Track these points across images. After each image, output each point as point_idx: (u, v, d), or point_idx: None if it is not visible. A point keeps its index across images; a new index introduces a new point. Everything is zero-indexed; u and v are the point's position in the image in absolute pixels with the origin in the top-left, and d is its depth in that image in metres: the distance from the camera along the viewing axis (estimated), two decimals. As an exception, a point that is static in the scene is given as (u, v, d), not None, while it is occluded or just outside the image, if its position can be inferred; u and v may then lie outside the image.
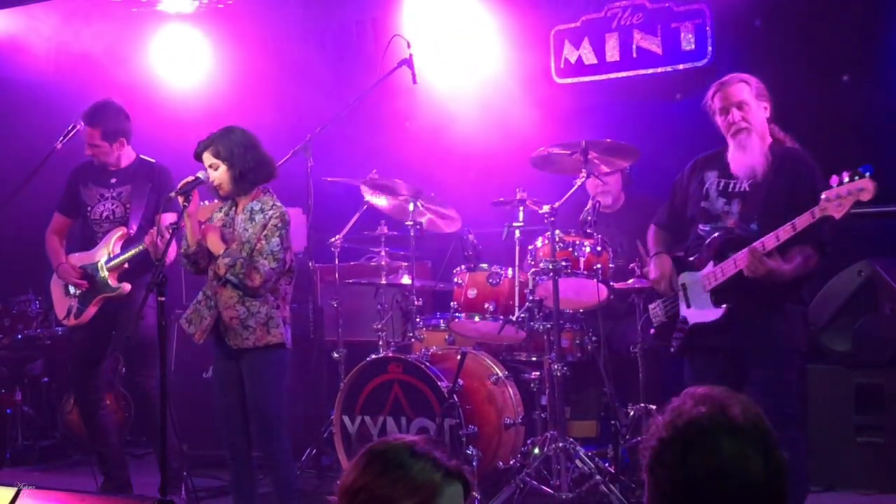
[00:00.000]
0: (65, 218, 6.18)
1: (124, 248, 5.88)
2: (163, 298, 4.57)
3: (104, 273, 5.89)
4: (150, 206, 5.92)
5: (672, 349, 4.82)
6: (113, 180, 6.04)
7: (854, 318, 5.82)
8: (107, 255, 5.91)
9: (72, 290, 6.02)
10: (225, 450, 5.10)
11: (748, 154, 4.66)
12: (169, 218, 5.65)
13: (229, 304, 4.90)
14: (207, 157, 4.89)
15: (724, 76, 4.86)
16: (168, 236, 5.04)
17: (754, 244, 4.38)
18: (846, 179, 4.20)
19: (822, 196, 4.24)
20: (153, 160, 6.14)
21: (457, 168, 7.08)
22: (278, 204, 4.96)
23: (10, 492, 4.03)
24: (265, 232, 4.85)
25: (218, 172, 4.88)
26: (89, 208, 6.03)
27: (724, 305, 4.59)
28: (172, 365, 7.00)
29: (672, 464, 1.96)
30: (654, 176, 6.58)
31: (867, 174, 4.18)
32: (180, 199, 4.80)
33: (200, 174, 4.88)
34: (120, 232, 5.92)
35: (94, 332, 5.97)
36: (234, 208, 5.02)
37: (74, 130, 5.98)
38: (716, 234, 4.66)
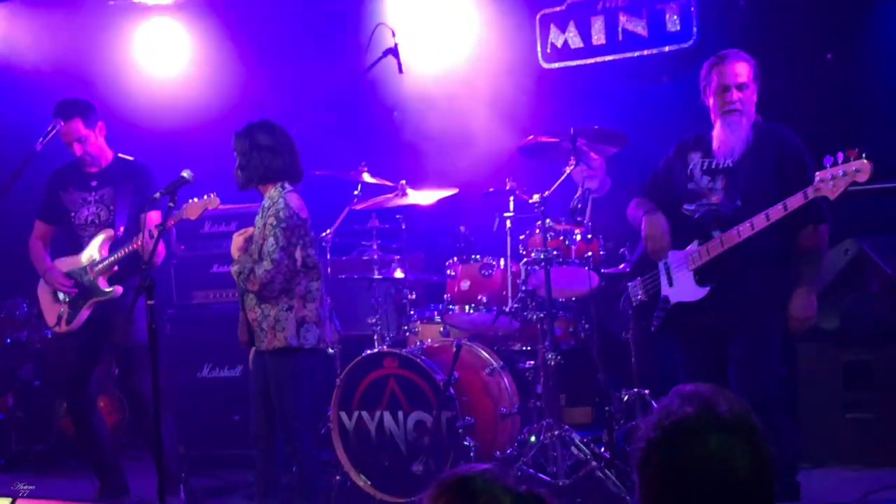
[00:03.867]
0: (46, 225, 6.32)
1: (111, 251, 6.03)
2: (152, 302, 4.77)
3: (93, 277, 6.05)
4: (135, 207, 6.06)
5: (653, 328, 5.09)
6: (94, 183, 6.18)
7: (841, 297, 6.15)
8: (93, 258, 6.06)
9: (61, 296, 6.16)
10: (252, 438, 5.43)
11: (734, 135, 4.88)
12: (154, 217, 5.92)
13: (251, 306, 5.27)
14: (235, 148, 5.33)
15: (714, 54, 5.05)
16: (155, 236, 5.31)
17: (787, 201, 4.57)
18: (841, 160, 4.42)
19: (817, 176, 4.46)
20: (131, 158, 6.31)
21: (446, 157, 7.33)
22: (279, 200, 5.17)
23: (6, 502, 4.23)
24: (265, 232, 5.15)
25: (237, 165, 5.32)
26: (73, 213, 6.17)
27: (709, 285, 4.84)
28: (166, 366, 7.29)
29: (660, 463, 2.04)
30: (642, 158, 6.86)
31: (863, 155, 4.40)
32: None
33: (185, 173, 5.16)
34: (106, 234, 6.07)
35: (85, 340, 6.13)
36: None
37: (54, 130, 6.08)
38: (701, 213, 4.90)
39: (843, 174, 4.42)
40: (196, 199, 5.65)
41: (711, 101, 5.01)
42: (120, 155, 6.33)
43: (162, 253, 6.06)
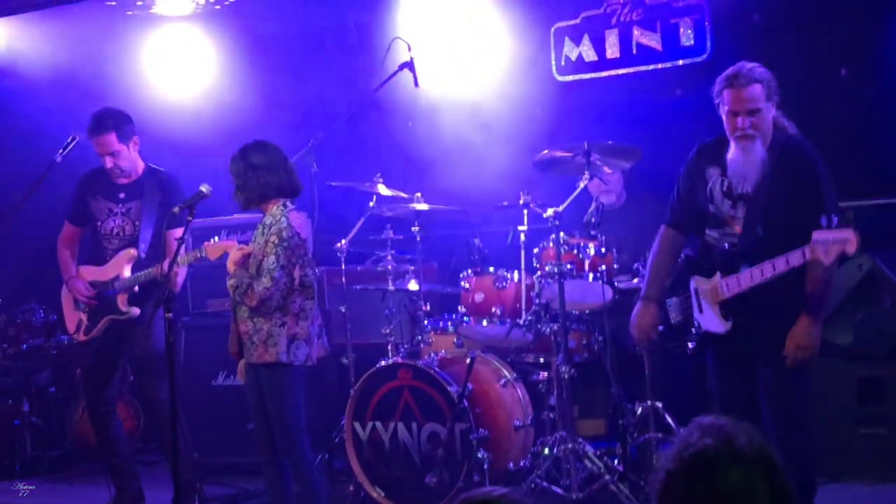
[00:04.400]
0: (73, 227, 6.30)
1: (133, 272, 6.01)
2: (170, 315, 4.76)
3: (114, 295, 6.04)
4: (160, 223, 6.02)
5: (689, 351, 4.94)
6: (122, 195, 6.14)
7: (855, 312, 6.08)
8: (117, 275, 6.04)
9: (81, 304, 6.17)
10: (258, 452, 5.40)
11: (748, 159, 4.69)
12: (176, 233, 5.85)
13: (243, 318, 5.25)
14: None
15: (732, 69, 4.76)
16: (176, 259, 5.24)
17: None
18: (836, 223, 4.24)
19: (813, 236, 4.27)
20: (162, 169, 6.27)
21: (461, 170, 7.29)
22: (282, 219, 5.17)
23: None
24: (266, 249, 5.13)
25: (235, 187, 5.29)
26: (99, 223, 6.15)
27: (731, 320, 4.70)
28: (181, 374, 7.26)
29: (680, 496, 2.04)
30: (656, 171, 6.82)
31: (850, 226, 4.23)
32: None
33: (203, 188, 5.14)
34: (130, 253, 6.03)
35: (103, 348, 6.13)
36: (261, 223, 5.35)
37: (74, 142, 6.08)
38: (723, 244, 4.75)
39: (833, 241, 4.25)
40: (217, 240, 5.60)
41: (724, 119, 4.81)
42: (151, 165, 6.28)
43: (182, 276, 6.14)
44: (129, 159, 6.14)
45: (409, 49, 6.65)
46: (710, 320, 4.82)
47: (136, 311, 6.04)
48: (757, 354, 4.74)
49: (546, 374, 6.14)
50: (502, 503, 2.22)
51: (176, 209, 5.13)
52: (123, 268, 6.05)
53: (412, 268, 6.60)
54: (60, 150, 6.13)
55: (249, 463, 6.82)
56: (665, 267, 5.03)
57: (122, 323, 6.07)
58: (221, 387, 7.17)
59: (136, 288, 6.04)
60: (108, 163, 6.07)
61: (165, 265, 5.60)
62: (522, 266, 5.97)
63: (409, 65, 6.63)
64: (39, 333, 8.11)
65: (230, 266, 5.23)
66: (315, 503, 5.28)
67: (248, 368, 5.31)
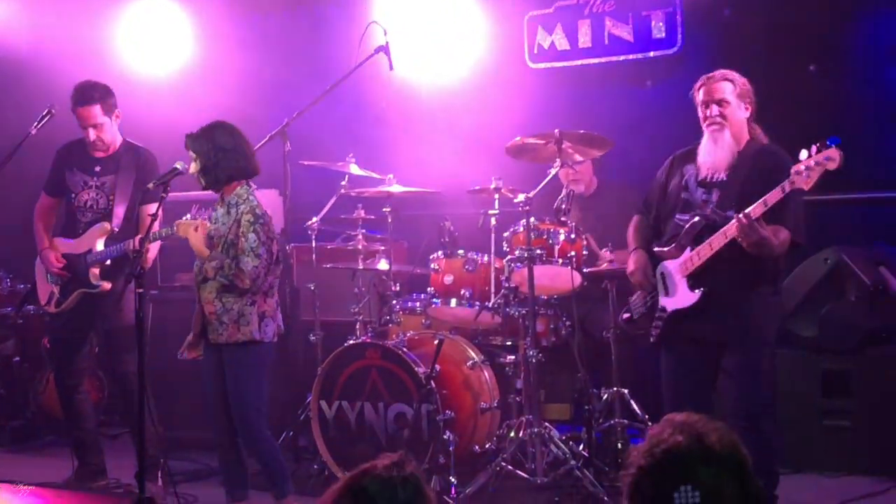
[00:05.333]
0: (51, 198, 6.09)
1: (107, 246, 5.81)
2: (141, 290, 4.60)
3: (85, 267, 5.84)
4: (134, 198, 5.88)
5: (651, 338, 4.88)
6: (97, 168, 5.94)
7: (820, 305, 5.91)
8: (90, 248, 5.84)
9: (53, 277, 5.96)
10: (214, 436, 5.17)
11: (717, 149, 4.78)
12: (149, 209, 5.66)
13: (208, 299, 5.00)
14: (190, 151, 5.04)
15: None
16: (149, 235, 5.08)
17: (739, 214, 4.42)
18: (814, 152, 4.29)
19: (792, 170, 4.33)
20: (139, 144, 6.06)
21: (433, 153, 7.08)
22: (250, 198, 5.01)
23: None
24: (241, 229, 4.91)
25: (194, 166, 5.03)
26: (73, 195, 5.94)
27: (700, 290, 4.66)
28: (147, 347, 6.99)
29: (650, 492, 2.03)
30: (626, 160, 6.67)
31: (833, 145, 4.28)
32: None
33: (178, 164, 4.95)
34: (103, 227, 5.83)
35: (74, 320, 5.94)
36: (219, 203, 5.12)
37: (49, 115, 5.89)
38: (693, 221, 4.73)
39: (815, 164, 4.29)
40: (188, 217, 5.33)
41: (700, 115, 4.90)
42: (128, 140, 6.06)
43: (152, 257, 5.98)
44: (111, 132, 5.95)
45: (385, 33, 6.45)
46: (679, 298, 4.78)
47: (107, 285, 5.83)
48: (723, 333, 4.67)
49: (513, 357, 5.94)
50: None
51: (150, 185, 4.94)
52: (96, 241, 5.84)
53: (382, 248, 6.37)
54: (35, 123, 5.93)
55: (213, 438, 6.59)
56: (644, 231, 5.09)
57: (93, 296, 5.86)
58: (188, 361, 6.83)
59: (109, 262, 5.83)
60: (91, 135, 5.87)
61: (137, 241, 5.45)
62: (493, 249, 5.75)
63: (385, 49, 6.44)
64: (6, 303, 7.80)
65: (201, 245, 4.95)
66: (277, 481, 5.07)
67: (210, 349, 5.07)
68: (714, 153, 4.79)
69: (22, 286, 7.77)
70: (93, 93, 5.83)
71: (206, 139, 4.98)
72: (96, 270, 5.82)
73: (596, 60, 7.29)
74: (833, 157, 4.28)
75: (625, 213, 6.13)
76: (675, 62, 7.05)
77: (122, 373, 5.91)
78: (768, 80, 6.29)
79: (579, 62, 7.35)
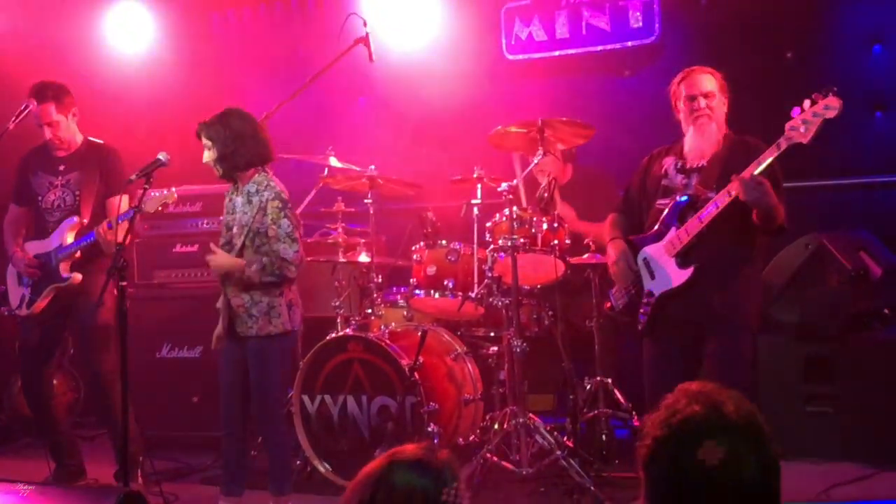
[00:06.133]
0: (19, 208, 5.96)
1: (77, 239, 5.67)
2: (124, 283, 4.53)
3: (56, 263, 5.70)
4: (101, 192, 5.75)
5: (640, 326, 4.79)
6: (61, 167, 5.82)
7: (802, 290, 5.84)
8: (61, 243, 5.70)
9: (25, 279, 5.81)
10: (221, 425, 5.03)
11: (705, 139, 4.76)
12: (121, 202, 5.49)
13: (235, 292, 4.87)
14: (203, 138, 4.89)
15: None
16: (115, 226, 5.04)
17: (742, 174, 4.34)
18: (808, 105, 4.23)
19: (787, 126, 4.25)
20: (101, 141, 5.94)
21: (412, 146, 7.00)
22: (272, 183, 4.88)
23: None
24: (271, 216, 4.78)
25: (209, 154, 4.89)
26: (40, 197, 5.81)
27: (692, 266, 4.58)
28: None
29: (667, 462, 1.96)
30: (603, 150, 6.59)
31: (831, 93, 4.20)
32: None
33: (161, 155, 4.82)
34: (73, 221, 5.70)
35: (47, 324, 5.77)
36: (235, 192, 4.98)
37: (27, 110, 5.75)
38: (678, 200, 4.67)
39: (813, 115, 4.24)
40: (155, 194, 5.20)
41: (681, 111, 4.87)
42: (90, 138, 5.93)
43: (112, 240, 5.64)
44: (69, 130, 5.82)
45: (365, 25, 6.32)
46: (668, 278, 4.69)
47: (77, 276, 5.67)
48: (710, 315, 4.59)
49: (496, 348, 5.83)
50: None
51: (133, 177, 4.78)
52: (66, 235, 5.70)
53: (363, 240, 6.24)
54: (13, 118, 5.79)
55: (194, 437, 6.47)
56: (621, 225, 5.03)
57: (68, 295, 5.70)
58: (166, 359, 6.72)
59: (79, 254, 5.68)
60: (47, 133, 5.76)
61: (119, 235, 5.18)
62: (476, 239, 5.63)
63: (364, 40, 6.31)
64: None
65: (229, 262, 4.80)
66: (282, 476, 4.96)
67: (233, 340, 4.92)
68: (700, 144, 4.77)
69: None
70: (47, 91, 5.73)
71: (221, 126, 4.84)
72: (67, 264, 5.69)
73: (574, 51, 7.20)
74: (832, 104, 4.19)
75: (600, 201, 6.09)
76: (653, 51, 7.00)
77: (94, 372, 5.76)
78: (746, 68, 6.27)
79: (557, 53, 7.25)
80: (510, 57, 7.38)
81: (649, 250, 4.78)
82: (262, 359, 4.88)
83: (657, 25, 6.93)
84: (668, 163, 4.86)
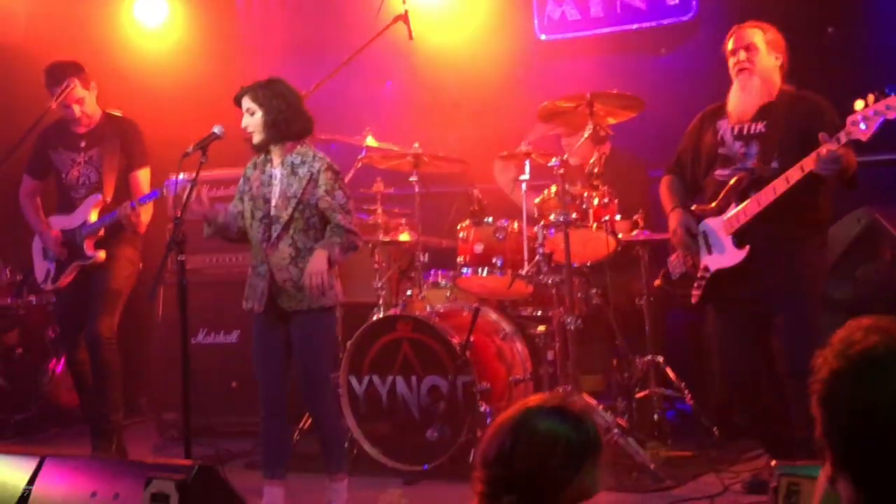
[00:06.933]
0: (34, 180, 5.99)
1: (101, 217, 5.68)
2: (182, 257, 4.41)
3: (81, 240, 5.71)
4: (122, 166, 5.77)
5: (693, 300, 4.67)
6: (82, 144, 5.82)
7: (854, 266, 5.72)
8: (85, 221, 5.71)
9: (50, 253, 5.83)
10: (261, 406, 4.83)
11: (745, 95, 4.63)
12: (141, 175, 5.78)
13: (281, 265, 4.65)
14: (246, 102, 4.68)
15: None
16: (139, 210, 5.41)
17: (820, 150, 4.18)
18: (872, 101, 4.09)
19: (848, 120, 4.14)
20: (119, 114, 5.92)
21: (451, 127, 6.86)
22: (320, 154, 4.72)
23: (34, 461, 3.72)
24: (324, 187, 4.61)
25: (254, 118, 4.66)
26: (63, 174, 5.82)
27: (747, 247, 4.47)
28: (160, 331, 6.70)
29: (847, 395, 1.85)
30: (642, 128, 6.43)
31: (893, 93, 4.06)
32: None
33: (216, 129, 4.63)
34: (97, 198, 5.71)
35: (76, 296, 5.79)
36: (268, 163, 4.77)
37: (69, 88, 5.68)
38: (739, 176, 4.54)
39: (874, 113, 4.09)
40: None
41: (729, 66, 4.73)
42: (108, 111, 5.92)
43: (146, 221, 5.79)
44: (92, 104, 5.84)
45: (404, 2, 6.20)
46: (724, 256, 4.57)
47: (101, 254, 5.71)
48: (771, 291, 4.48)
49: (544, 327, 5.69)
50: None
51: (189, 149, 4.61)
52: (90, 212, 5.73)
53: (404, 220, 6.10)
54: (55, 97, 5.71)
55: (233, 423, 6.29)
56: (678, 190, 4.89)
57: (90, 269, 5.73)
58: (202, 345, 6.56)
59: (102, 232, 5.71)
60: (76, 111, 5.75)
61: (127, 214, 5.51)
62: (524, 216, 5.48)
63: (404, 17, 6.20)
64: (6, 293, 7.45)
65: (322, 261, 4.56)
66: (336, 454, 4.77)
67: (274, 317, 4.72)
68: (742, 99, 4.64)
69: (21, 276, 7.46)
70: (66, 69, 5.74)
71: (270, 92, 4.65)
72: (90, 242, 5.72)
73: (608, 30, 7.06)
74: (893, 105, 4.07)
75: (636, 181, 5.96)
76: (690, 29, 6.85)
77: (94, 335, 5.67)
78: (786, 43, 6.14)
79: (591, 32, 7.12)
80: (543, 37, 7.24)
81: (709, 223, 4.66)
82: (312, 333, 4.70)
83: (694, 2, 6.79)
84: (724, 128, 4.70)
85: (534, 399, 2.21)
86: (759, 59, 4.62)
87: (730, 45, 4.70)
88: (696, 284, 4.68)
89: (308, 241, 4.64)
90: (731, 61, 4.67)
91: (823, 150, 4.17)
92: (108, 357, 5.67)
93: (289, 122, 4.66)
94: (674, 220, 4.79)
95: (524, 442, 2.10)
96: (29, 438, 7.03)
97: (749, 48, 4.62)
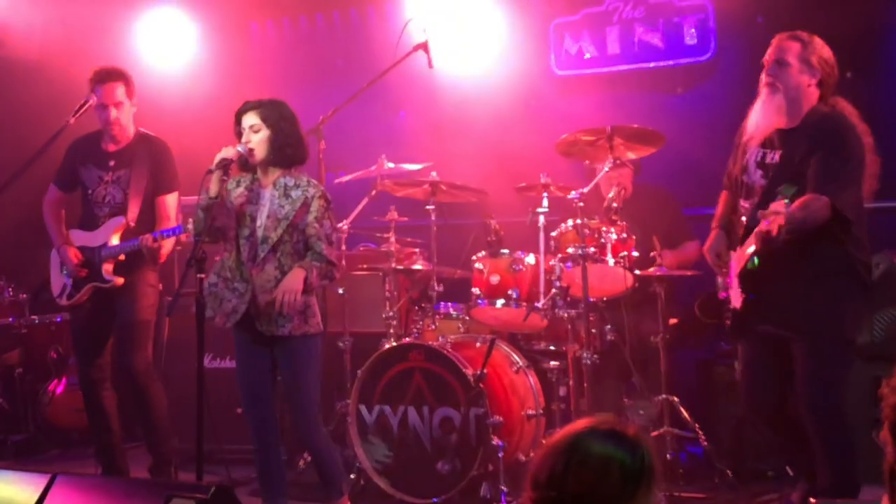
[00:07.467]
0: (60, 192, 5.85)
1: (122, 241, 5.56)
2: (202, 276, 4.36)
3: (99, 262, 5.59)
4: (150, 190, 5.64)
5: (727, 329, 4.64)
6: (111, 163, 5.68)
7: (872, 311, 5.65)
8: (105, 243, 5.58)
9: (67, 270, 5.69)
10: (251, 436, 4.76)
11: (762, 113, 4.44)
12: (171, 200, 5.67)
13: (266, 287, 4.56)
14: (251, 118, 4.59)
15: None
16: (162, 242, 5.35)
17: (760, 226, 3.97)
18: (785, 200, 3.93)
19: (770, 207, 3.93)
20: (152, 134, 5.81)
21: (468, 159, 6.80)
22: (315, 182, 4.68)
23: (44, 479, 3.64)
24: (315, 214, 4.55)
25: (258, 136, 4.57)
26: (90, 191, 5.69)
27: (747, 293, 4.35)
28: (166, 355, 6.61)
29: None
30: (657, 167, 6.40)
31: (787, 199, 3.91)
32: (219, 174, 4.53)
33: (240, 147, 4.56)
34: (120, 222, 5.58)
35: (94, 310, 5.66)
36: (255, 182, 4.67)
37: (87, 105, 5.60)
38: (749, 214, 4.41)
39: (773, 212, 3.91)
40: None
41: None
42: (141, 130, 5.80)
43: (166, 253, 5.75)
44: (128, 116, 5.71)
45: (425, 31, 6.16)
46: (734, 293, 4.46)
47: (119, 280, 5.58)
48: (783, 333, 4.35)
49: (557, 362, 5.60)
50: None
51: (212, 168, 4.53)
52: (111, 236, 5.59)
53: (417, 250, 6.03)
54: (74, 112, 5.61)
55: (237, 449, 6.17)
56: (726, 209, 4.73)
57: (108, 291, 5.59)
58: (208, 370, 6.33)
59: (122, 257, 5.58)
60: (112, 114, 5.61)
61: (148, 245, 5.39)
62: (542, 248, 5.41)
63: (424, 46, 6.15)
64: (9, 312, 7.35)
65: (297, 280, 4.48)
66: (332, 479, 4.71)
67: (256, 341, 4.65)
68: (758, 119, 4.45)
69: (24, 295, 7.39)
70: (118, 72, 5.68)
71: (278, 112, 4.59)
72: (109, 266, 5.59)
73: (625, 67, 7.05)
74: (779, 210, 3.85)
75: (657, 218, 5.89)
76: (707, 69, 6.84)
77: (129, 372, 5.60)
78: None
79: (607, 69, 7.11)
80: (559, 73, 7.24)
81: (733, 255, 4.54)
82: (299, 359, 4.63)
83: (713, 43, 6.79)
84: (751, 150, 4.52)
85: (588, 421, 2.13)
86: (788, 77, 4.39)
87: (767, 55, 4.50)
88: (725, 314, 4.60)
89: (294, 265, 4.56)
90: (762, 75, 4.47)
91: (763, 226, 3.94)
92: (148, 390, 5.59)
93: (293, 147, 4.61)
94: (708, 241, 4.72)
95: (577, 464, 2.03)
96: (27, 460, 6.93)
97: (781, 62, 4.40)
